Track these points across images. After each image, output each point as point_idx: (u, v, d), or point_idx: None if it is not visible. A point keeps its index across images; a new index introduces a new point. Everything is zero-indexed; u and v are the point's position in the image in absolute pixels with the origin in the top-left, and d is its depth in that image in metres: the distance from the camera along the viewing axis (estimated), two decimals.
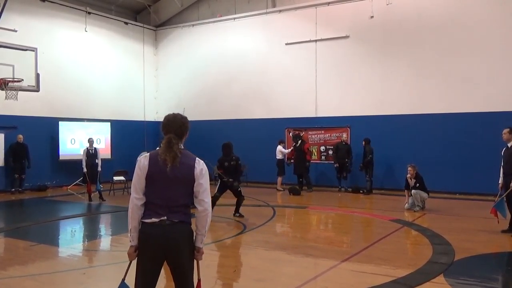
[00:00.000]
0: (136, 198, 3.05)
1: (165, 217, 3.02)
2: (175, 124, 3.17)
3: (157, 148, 3.32)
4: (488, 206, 8.42)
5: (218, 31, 17.35)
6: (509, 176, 7.57)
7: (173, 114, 3.26)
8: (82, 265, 6.24)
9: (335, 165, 14.02)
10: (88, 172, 12.03)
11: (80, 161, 12.45)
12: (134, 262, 3.13)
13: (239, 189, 9.46)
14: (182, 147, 3.16)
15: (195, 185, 3.09)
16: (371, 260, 6.12)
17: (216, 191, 9.26)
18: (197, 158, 3.17)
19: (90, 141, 12.48)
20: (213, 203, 9.30)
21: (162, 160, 3.03)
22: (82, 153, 12.44)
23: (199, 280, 3.22)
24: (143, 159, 3.09)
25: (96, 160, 12.22)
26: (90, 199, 12.13)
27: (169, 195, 3.05)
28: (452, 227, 8.28)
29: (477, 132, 12.57)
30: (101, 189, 12.16)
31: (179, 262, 3.08)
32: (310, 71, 15.30)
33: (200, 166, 3.13)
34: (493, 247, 7.01)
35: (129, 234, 3.09)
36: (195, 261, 3.18)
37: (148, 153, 3.13)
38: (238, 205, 9.51)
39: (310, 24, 15.32)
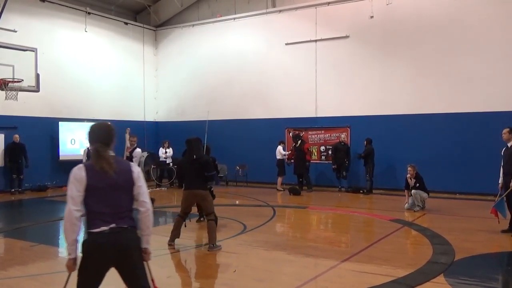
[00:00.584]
0: (75, 210, 2.98)
1: (114, 224, 3.03)
2: (100, 133, 3.20)
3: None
4: (488, 206, 8.41)
5: (218, 31, 17.36)
6: (509, 176, 7.57)
7: (99, 123, 3.28)
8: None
9: (333, 166, 14.03)
10: None
11: (80, 161, 12.43)
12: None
13: (212, 189, 9.42)
14: (113, 154, 3.18)
15: (134, 188, 3.14)
16: (371, 260, 6.12)
17: None
18: (131, 163, 3.25)
19: None
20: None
21: (99, 169, 3.03)
22: (82, 153, 12.46)
23: (152, 280, 3.28)
24: (78, 171, 3.04)
25: None
26: None
27: (115, 202, 3.07)
28: (452, 227, 8.28)
29: (477, 132, 12.57)
30: None
31: (131, 267, 3.11)
32: (310, 71, 15.30)
33: (137, 169, 3.21)
34: (493, 247, 7.01)
35: (67, 247, 3.05)
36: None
37: (82, 164, 3.10)
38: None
39: (310, 24, 15.32)
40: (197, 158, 6.87)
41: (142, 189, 3.17)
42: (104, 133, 3.20)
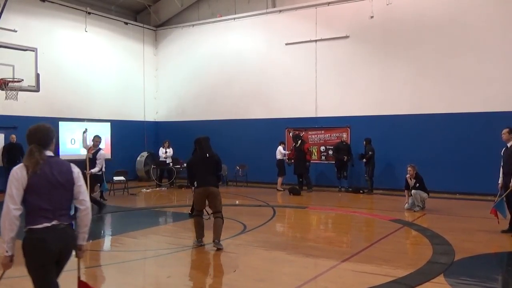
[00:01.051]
0: (14, 209, 3.07)
1: (56, 221, 3.16)
2: (37, 135, 3.28)
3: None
4: (488, 206, 8.42)
5: (218, 31, 17.36)
6: (509, 176, 7.57)
7: (36, 125, 3.36)
8: (82, 265, 6.23)
9: (344, 159, 13.80)
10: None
11: (81, 161, 12.45)
12: (11, 273, 3.19)
13: None
14: (51, 155, 3.29)
15: (74, 187, 3.29)
16: (371, 260, 6.12)
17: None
18: (71, 163, 3.36)
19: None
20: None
21: (24, 167, 3.13)
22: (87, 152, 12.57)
23: (79, 277, 3.48)
24: (18, 170, 3.13)
25: None
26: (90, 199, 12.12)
27: (56, 199, 3.19)
28: (452, 227, 8.28)
29: (477, 132, 12.57)
30: (108, 189, 12.27)
31: (66, 262, 3.30)
32: (310, 71, 15.30)
33: (77, 169, 3.35)
34: (493, 247, 7.02)
35: (5, 245, 3.11)
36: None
37: (22, 164, 3.18)
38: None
39: (310, 24, 15.32)
40: (210, 156, 6.98)
41: (82, 188, 3.32)
42: (40, 135, 3.29)
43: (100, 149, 9.81)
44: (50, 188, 3.16)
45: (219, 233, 6.75)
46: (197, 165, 6.98)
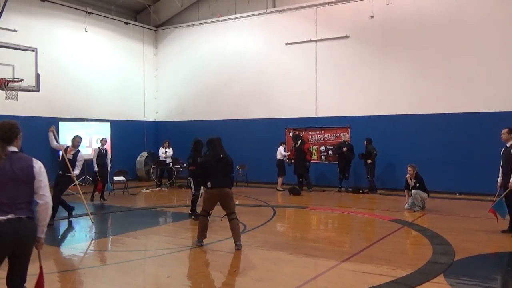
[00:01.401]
0: None
1: (12, 215, 3.24)
2: (0, 131, 3.39)
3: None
4: (488, 206, 8.40)
5: (218, 31, 17.36)
6: (508, 175, 7.57)
7: (1, 121, 3.48)
8: (82, 265, 6.24)
9: (344, 149, 13.69)
10: (99, 171, 12.14)
11: (87, 161, 12.56)
12: None
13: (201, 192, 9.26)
14: (14, 150, 3.41)
15: (35, 182, 3.39)
16: (371, 260, 6.12)
17: (194, 191, 9.30)
18: (34, 159, 3.48)
19: (103, 141, 12.79)
20: (196, 203, 9.27)
21: None
22: (92, 152, 12.69)
23: (41, 267, 3.59)
24: None
25: (107, 160, 12.44)
26: (92, 199, 12.13)
27: (14, 194, 3.28)
28: (452, 227, 8.28)
29: (477, 132, 12.58)
30: (111, 189, 12.25)
31: (25, 255, 3.36)
32: (310, 71, 15.30)
33: (38, 165, 3.46)
34: (493, 247, 7.03)
35: None
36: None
37: None
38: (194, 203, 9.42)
39: (310, 24, 15.32)
40: (224, 157, 6.90)
41: (43, 183, 3.42)
42: (3, 131, 3.40)
43: (79, 150, 9.43)
44: (8, 183, 3.25)
45: (239, 234, 6.78)
46: (211, 166, 6.84)
